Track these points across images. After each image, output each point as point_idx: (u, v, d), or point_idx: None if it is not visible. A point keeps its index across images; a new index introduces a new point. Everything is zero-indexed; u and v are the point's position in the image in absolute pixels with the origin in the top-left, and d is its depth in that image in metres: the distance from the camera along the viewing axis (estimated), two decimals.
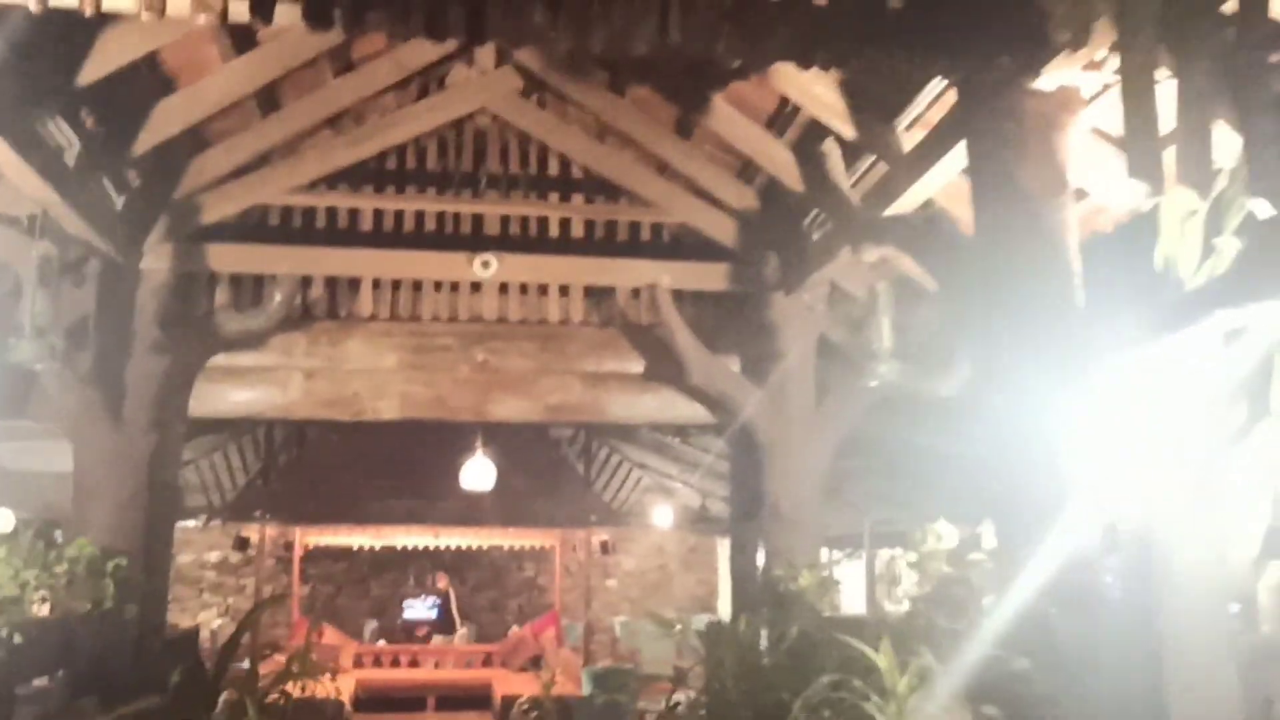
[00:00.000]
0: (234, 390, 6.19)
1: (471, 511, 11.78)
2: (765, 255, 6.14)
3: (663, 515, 16.45)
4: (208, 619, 17.20)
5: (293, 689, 9.95)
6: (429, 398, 6.30)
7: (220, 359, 6.14)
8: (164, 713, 4.95)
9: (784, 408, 5.99)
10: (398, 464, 12.42)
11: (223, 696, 5.88)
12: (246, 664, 9.57)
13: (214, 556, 16.69)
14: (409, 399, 6.29)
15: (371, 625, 16.42)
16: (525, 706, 11.73)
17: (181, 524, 16.01)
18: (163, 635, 5.97)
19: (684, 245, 6.46)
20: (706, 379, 6.06)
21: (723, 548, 19.12)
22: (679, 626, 16.26)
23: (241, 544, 11.85)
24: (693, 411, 6.45)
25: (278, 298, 5.86)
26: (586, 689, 9.89)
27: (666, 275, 6.14)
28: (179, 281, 5.83)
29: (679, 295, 6.26)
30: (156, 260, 5.72)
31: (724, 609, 18.65)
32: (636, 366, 6.46)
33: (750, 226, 6.15)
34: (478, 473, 10.38)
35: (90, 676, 5.09)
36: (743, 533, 6.70)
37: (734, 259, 6.26)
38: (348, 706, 11.68)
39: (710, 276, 6.29)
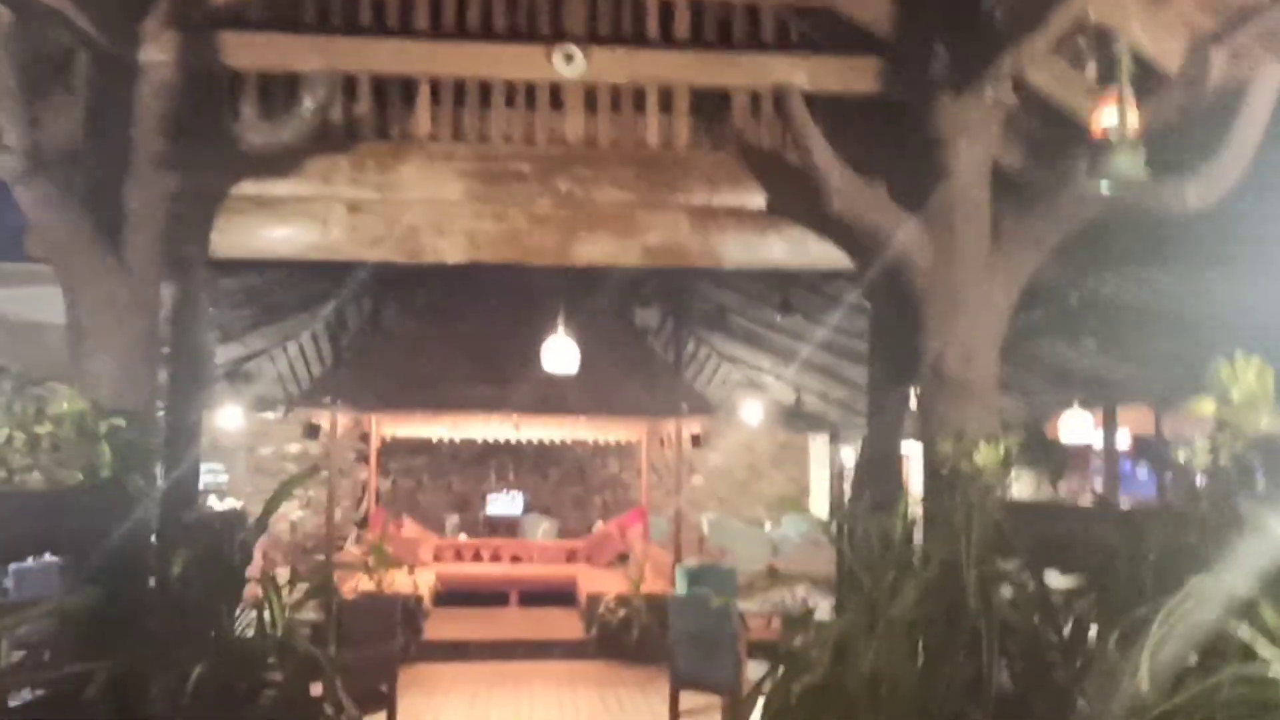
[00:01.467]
0: (263, 226, 4.90)
1: (554, 398, 10.57)
2: (929, 46, 4.57)
3: (752, 411, 15.15)
4: (288, 510, 16.51)
5: (368, 582, 8.93)
6: (501, 235, 4.94)
7: (247, 187, 4.86)
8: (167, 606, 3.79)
9: (953, 243, 4.50)
10: (475, 348, 11.24)
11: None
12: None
13: (294, 449, 15.90)
14: (477, 237, 4.93)
15: (453, 520, 15.55)
16: (612, 604, 10.66)
17: (260, 415, 15.22)
18: (187, 516, 4.79)
19: (818, 36, 4.92)
20: (852, 208, 4.58)
21: (815, 445, 17.74)
22: (768, 525, 15.03)
23: (312, 431, 10.82)
24: (827, 255, 5.00)
25: (309, 101, 4.51)
26: (680, 587, 8.71)
27: (800, 72, 4.64)
28: (190, 81, 4.50)
29: (813, 102, 4.73)
30: (158, 51, 4.39)
31: (817, 508, 17.36)
32: (757, 199, 5.01)
33: (909, 6, 4.60)
34: (560, 353, 9.09)
35: (81, 562, 3.94)
36: (883, 402, 5.30)
37: (887, 51, 4.71)
38: (427, 601, 10.72)
39: (855, 75, 4.75)
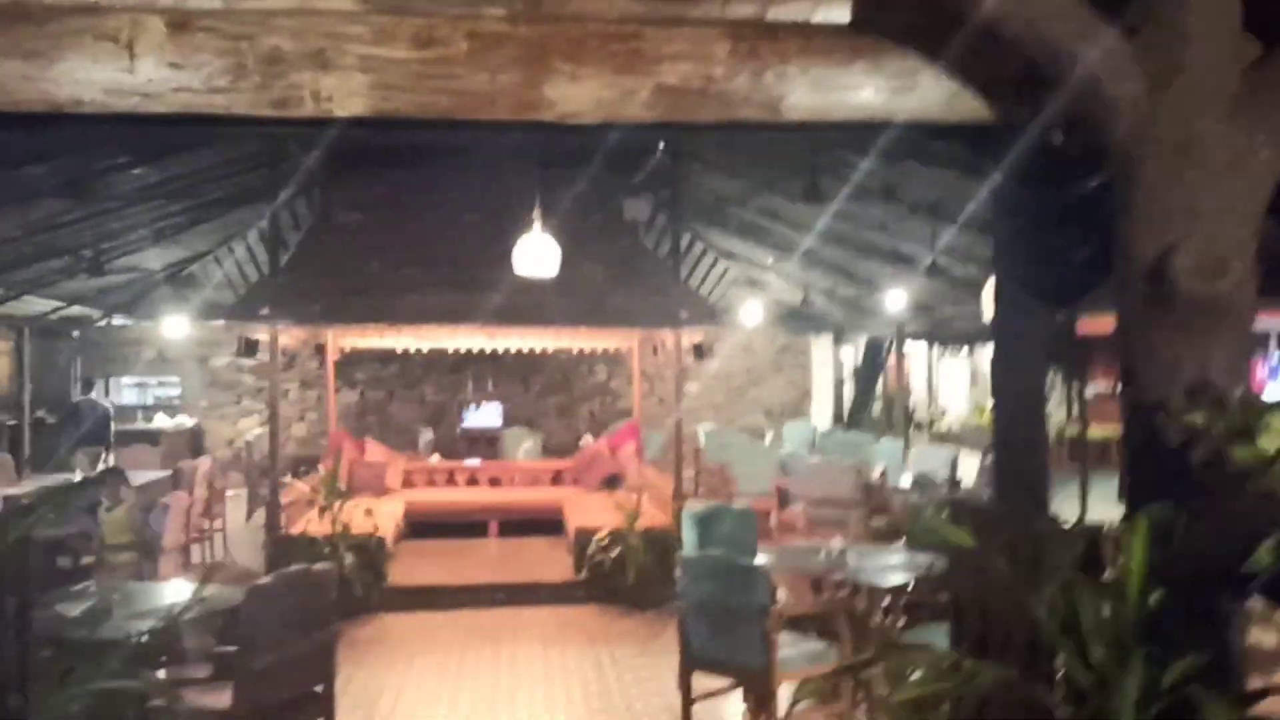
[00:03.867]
0: (29, 59, 2.86)
1: (531, 306, 8.61)
2: None
3: (753, 312, 13.28)
4: (248, 427, 14.67)
5: (319, 524, 7.06)
6: (425, 71, 2.91)
7: None
8: None
9: (1183, 62, 2.53)
10: (438, 248, 9.22)
11: None
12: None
13: (249, 360, 13.97)
14: (385, 74, 2.91)
15: (426, 436, 13.74)
16: (605, 542, 8.97)
17: (209, 323, 13.24)
18: None
19: None
20: (1015, 10, 2.58)
21: (817, 346, 15.90)
22: (770, 436, 13.14)
23: (249, 348, 8.88)
24: (941, 97, 3.02)
25: None
26: (688, 537, 6.93)
27: None
28: None
29: None
30: None
31: (818, 414, 15.61)
32: (836, 10, 3.00)
33: None
34: (536, 254, 7.12)
35: None
36: (1020, 331, 3.37)
37: None
38: (390, 542, 8.95)
39: None
